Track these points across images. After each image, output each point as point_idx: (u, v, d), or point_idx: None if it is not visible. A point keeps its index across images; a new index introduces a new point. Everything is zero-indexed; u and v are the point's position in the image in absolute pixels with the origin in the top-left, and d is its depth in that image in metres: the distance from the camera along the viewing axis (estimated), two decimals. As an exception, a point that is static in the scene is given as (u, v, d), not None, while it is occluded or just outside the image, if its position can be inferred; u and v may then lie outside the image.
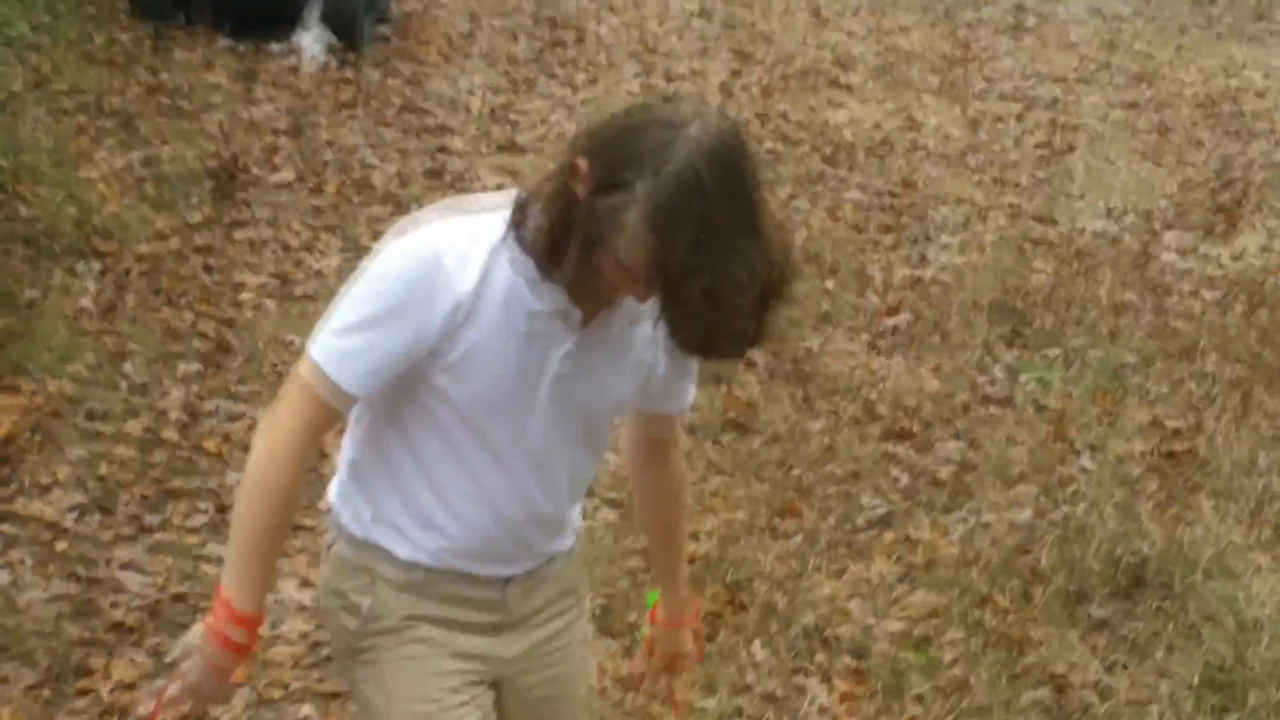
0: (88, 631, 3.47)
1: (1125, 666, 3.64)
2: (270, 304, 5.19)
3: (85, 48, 7.39)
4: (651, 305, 1.75)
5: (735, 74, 8.83)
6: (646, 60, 8.94)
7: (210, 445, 4.26)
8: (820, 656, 3.63)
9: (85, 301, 4.94)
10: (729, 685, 3.48)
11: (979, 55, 9.84)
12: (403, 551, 1.96)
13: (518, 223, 1.79)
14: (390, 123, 7.23)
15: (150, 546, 3.80)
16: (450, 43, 8.72)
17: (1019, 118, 8.47)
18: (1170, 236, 6.71)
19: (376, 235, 2.11)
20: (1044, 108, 8.71)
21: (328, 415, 1.86)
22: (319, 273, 5.48)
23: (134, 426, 4.29)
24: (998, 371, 5.24)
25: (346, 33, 7.97)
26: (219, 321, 4.99)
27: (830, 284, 5.78)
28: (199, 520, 3.93)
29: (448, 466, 1.91)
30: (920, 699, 3.48)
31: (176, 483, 4.07)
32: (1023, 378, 5.18)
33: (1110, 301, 5.83)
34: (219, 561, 2.67)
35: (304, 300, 5.21)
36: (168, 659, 2.51)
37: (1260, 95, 9.32)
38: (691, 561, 3.53)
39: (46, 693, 3.27)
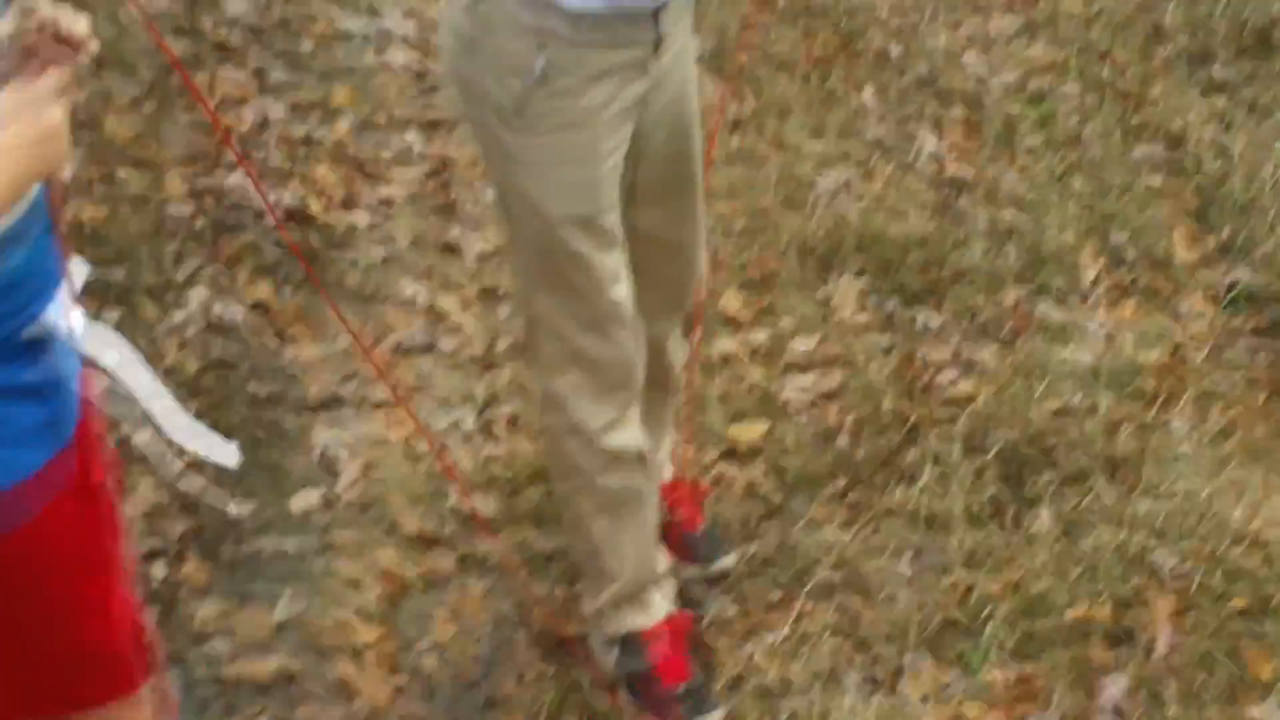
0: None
1: (1243, 126, 3.55)
2: None
3: None
4: None
5: None
6: None
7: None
8: (932, 106, 3.55)
9: None
10: (836, 129, 3.43)
11: None
12: (572, 1, 1.84)
13: None
14: None
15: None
16: None
17: None
18: None
19: None
20: None
21: None
22: None
23: None
24: None
25: None
26: None
27: None
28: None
29: None
30: (1031, 151, 3.42)
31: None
32: None
33: None
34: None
35: None
36: None
37: None
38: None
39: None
